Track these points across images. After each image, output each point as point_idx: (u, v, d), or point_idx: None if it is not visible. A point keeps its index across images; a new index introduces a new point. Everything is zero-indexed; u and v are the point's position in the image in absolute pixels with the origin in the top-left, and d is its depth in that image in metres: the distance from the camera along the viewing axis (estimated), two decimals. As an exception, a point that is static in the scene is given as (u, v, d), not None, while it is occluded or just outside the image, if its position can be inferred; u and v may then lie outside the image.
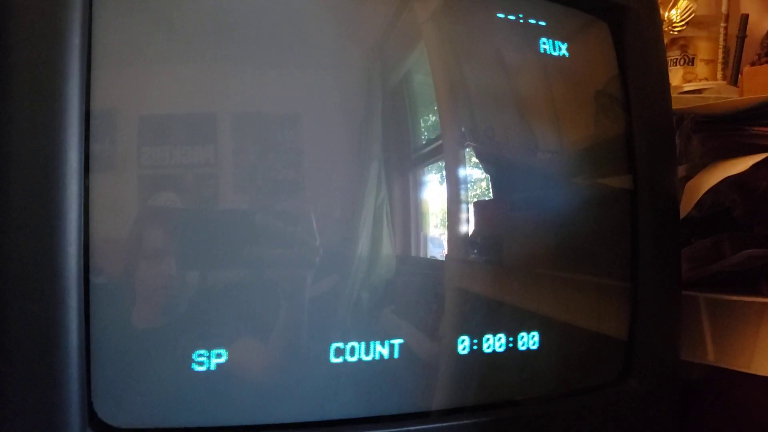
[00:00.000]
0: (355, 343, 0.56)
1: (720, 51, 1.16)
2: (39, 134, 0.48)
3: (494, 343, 0.61)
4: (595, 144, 0.69)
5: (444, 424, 0.59)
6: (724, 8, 1.15)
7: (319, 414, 0.56)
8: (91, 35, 0.50)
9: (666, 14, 1.14)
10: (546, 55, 0.65)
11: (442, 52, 0.64)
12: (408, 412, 0.59)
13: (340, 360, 0.56)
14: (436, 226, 0.61)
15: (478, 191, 0.64)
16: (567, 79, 0.68)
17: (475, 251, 0.63)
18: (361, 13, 0.62)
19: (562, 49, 0.66)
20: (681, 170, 0.80)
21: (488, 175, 0.64)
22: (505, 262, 0.65)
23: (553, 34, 0.65)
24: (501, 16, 0.64)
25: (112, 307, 0.51)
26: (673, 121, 0.73)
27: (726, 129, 0.77)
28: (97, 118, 0.50)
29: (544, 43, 0.65)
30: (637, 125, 0.68)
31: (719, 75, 1.16)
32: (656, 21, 0.71)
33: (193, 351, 0.52)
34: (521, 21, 0.65)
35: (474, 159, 0.64)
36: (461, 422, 0.59)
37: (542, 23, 0.65)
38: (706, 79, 1.17)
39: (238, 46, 0.56)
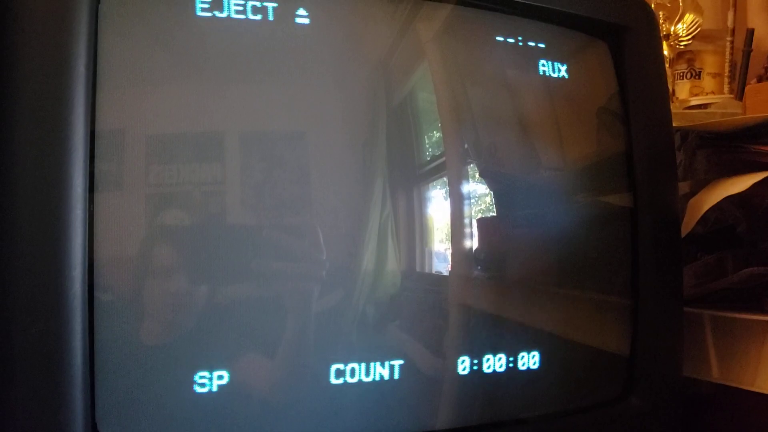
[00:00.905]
0: (355, 365, 0.56)
1: (726, 65, 1.16)
2: (44, 157, 0.48)
3: (494, 363, 0.61)
4: (597, 162, 0.70)
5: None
6: (730, 22, 1.16)
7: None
8: (96, 56, 0.51)
9: (672, 28, 1.14)
10: (546, 77, 0.66)
11: (445, 72, 0.64)
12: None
13: (340, 381, 0.56)
14: (440, 242, 0.62)
15: (482, 207, 0.65)
16: (568, 98, 0.68)
17: (479, 267, 0.64)
18: (365, 32, 0.62)
19: (562, 71, 0.66)
20: (685, 186, 0.80)
21: (491, 192, 0.65)
22: (507, 279, 0.65)
23: (552, 56, 0.66)
24: (500, 38, 0.65)
25: (116, 328, 0.51)
26: (674, 139, 0.73)
27: (730, 146, 0.77)
28: (105, 138, 0.51)
29: (543, 65, 0.65)
30: (637, 143, 0.68)
31: (726, 88, 1.16)
32: (655, 39, 0.71)
33: (195, 372, 0.52)
34: (520, 43, 0.65)
35: (477, 176, 0.64)
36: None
37: (541, 45, 0.66)
38: (713, 92, 1.17)
39: (244, 65, 0.57)
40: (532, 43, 0.66)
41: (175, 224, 0.54)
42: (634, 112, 0.68)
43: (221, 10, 0.54)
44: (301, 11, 0.57)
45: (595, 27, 0.69)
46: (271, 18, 0.56)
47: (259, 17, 0.55)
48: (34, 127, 0.48)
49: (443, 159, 0.63)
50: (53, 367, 0.48)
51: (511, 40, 0.65)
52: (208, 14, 0.54)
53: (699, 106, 1.08)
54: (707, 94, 1.16)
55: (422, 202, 0.61)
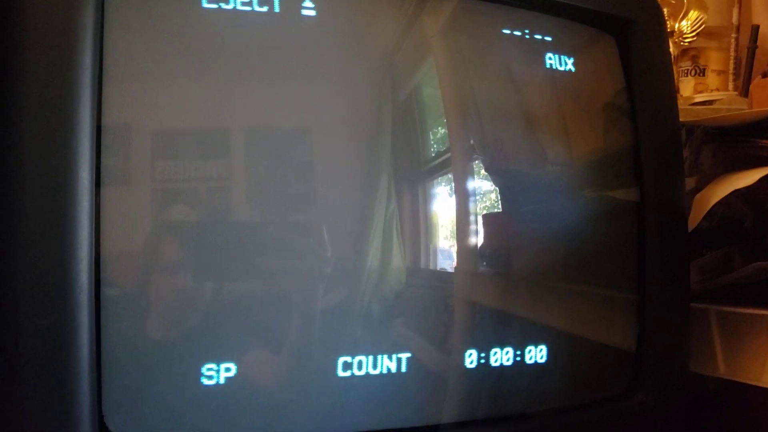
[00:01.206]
0: (362, 357, 0.56)
1: (731, 61, 1.16)
2: (50, 151, 0.48)
3: (501, 356, 0.61)
4: (603, 157, 0.69)
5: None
6: (734, 19, 1.15)
7: (328, 428, 0.56)
8: (102, 52, 0.51)
9: (677, 25, 1.14)
10: (552, 70, 0.65)
11: (450, 66, 0.64)
12: (416, 426, 0.59)
13: (347, 374, 0.56)
14: (445, 238, 0.62)
15: (487, 203, 0.64)
16: (574, 92, 0.68)
17: (484, 263, 0.63)
18: (371, 26, 0.62)
19: (569, 64, 0.66)
20: (691, 182, 0.80)
21: (497, 188, 0.64)
22: (513, 275, 0.65)
23: (559, 49, 0.66)
24: (507, 31, 0.65)
25: (123, 322, 0.51)
26: (681, 134, 0.73)
27: (736, 141, 0.77)
28: (111, 133, 0.51)
29: (550, 58, 0.65)
30: (644, 138, 0.68)
31: (730, 85, 1.16)
32: (662, 34, 0.71)
33: (202, 365, 0.52)
34: (527, 36, 0.65)
35: (483, 171, 0.64)
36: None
37: (548, 38, 0.66)
38: (718, 89, 1.17)
39: (250, 58, 0.57)
40: (539, 36, 0.65)
41: (180, 220, 0.54)
42: (641, 106, 0.68)
43: (227, 2, 0.54)
44: (308, 2, 0.57)
45: (602, 20, 0.69)
46: (277, 9, 0.56)
47: (265, 9, 0.55)
48: (41, 118, 0.48)
49: (449, 155, 0.63)
50: (60, 360, 0.48)
51: (518, 33, 0.65)
52: (214, 6, 0.54)
53: (703, 103, 1.08)
54: (711, 91, 1.16)
55: (427, 199, 0.61)
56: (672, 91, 0.70)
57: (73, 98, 0.49)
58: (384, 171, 0.59)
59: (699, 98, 1.11)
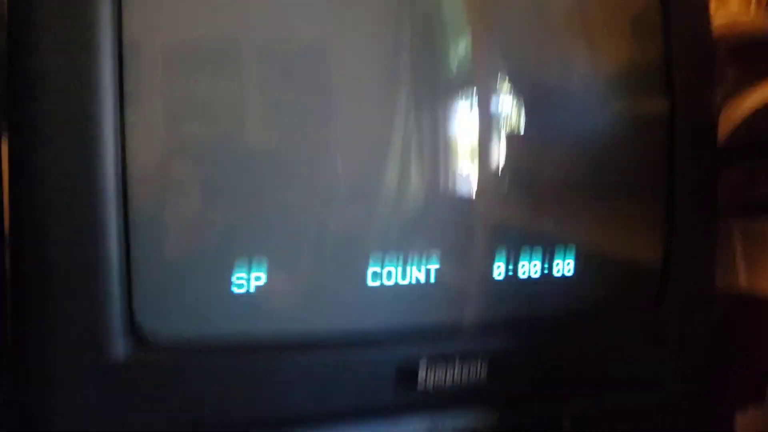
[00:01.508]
0: (392, 267, 0.57)
1: (754, -18, 1.13)
2: (73, 67, 0.48)
3: (529, 269, 0.61)
4: (632, 68, 0.68)
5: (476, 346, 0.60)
6: (758, -64, 1.12)
7: (356, 335, 0.57)
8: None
9: (697, -57, 1.11)
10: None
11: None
12: (444, 331, 0.60)
13: (377, 283, 0.56)
14: (467, 156, 0.61)
15: (512, 120, 0.63)
16: (604, 2, 0.66)
17: (508, 180, 0.63)
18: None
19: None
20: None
21: (522, 103, 0.63)
22: (539, 190, 0.64)
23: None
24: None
25: (150, 235, 0.52)
26: (713, 43, 0.71)
27: (761, 55, 0.76)
28: (126, 48, 0.50)
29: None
30: (675, 49, 0.66)
31: (752, 8, 1.14)
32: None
33: (232, 273, 0.53)
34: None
35: (506, 86, 0.62)
36: (495, 342, 0.60)
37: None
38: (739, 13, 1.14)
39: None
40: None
41: (195, 137, 0.54)
42: (674, 16, 0.66)
43: None
44: None
45: None
46: None
47: None
48: (61, 32, 0.48)
49: (471, 70, 0.62)
50: (90, 264, 0.49)
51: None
52: None
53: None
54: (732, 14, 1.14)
55: (449, 115, 0.60)
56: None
57: (93, 12, 0.49)
58: (403, 88, 0.58)
59: (719, 22, 1.09)
